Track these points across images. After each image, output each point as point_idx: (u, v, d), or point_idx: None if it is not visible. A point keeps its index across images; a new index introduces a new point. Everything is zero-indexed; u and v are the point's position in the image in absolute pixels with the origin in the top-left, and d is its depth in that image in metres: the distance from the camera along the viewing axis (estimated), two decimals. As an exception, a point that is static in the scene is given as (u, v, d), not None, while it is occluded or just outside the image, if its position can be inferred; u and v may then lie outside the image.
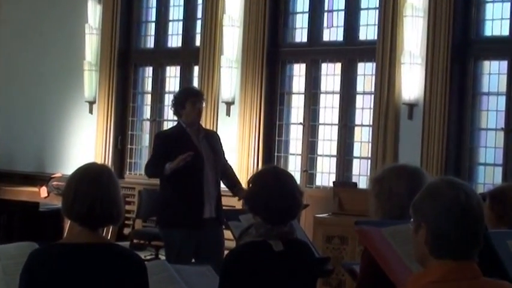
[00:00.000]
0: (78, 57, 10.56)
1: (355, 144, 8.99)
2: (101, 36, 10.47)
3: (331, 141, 9.10)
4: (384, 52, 8.37)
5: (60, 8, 10.89)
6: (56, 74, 10.86)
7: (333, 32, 9.22)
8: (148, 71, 10.61)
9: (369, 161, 8.62)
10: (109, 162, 10.07)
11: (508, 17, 8.13)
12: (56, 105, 10.83)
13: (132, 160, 10.51)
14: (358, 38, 9.04)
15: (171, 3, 10.41)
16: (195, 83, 9.77)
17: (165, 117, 10.20)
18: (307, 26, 9.33)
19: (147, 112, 10.52)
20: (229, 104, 9.48)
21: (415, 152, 8.11)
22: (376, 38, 8.59)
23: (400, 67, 8.29)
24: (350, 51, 8.98)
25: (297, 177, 8.76)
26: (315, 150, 9.20)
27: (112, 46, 10.38)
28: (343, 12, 9.10)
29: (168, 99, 9.68)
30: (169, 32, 10.46)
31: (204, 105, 5.97)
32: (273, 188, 3.29)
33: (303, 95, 9.28)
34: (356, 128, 9.00)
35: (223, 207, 5.92)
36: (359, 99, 8.98)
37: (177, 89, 9.66)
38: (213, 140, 5.93)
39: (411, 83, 8.27)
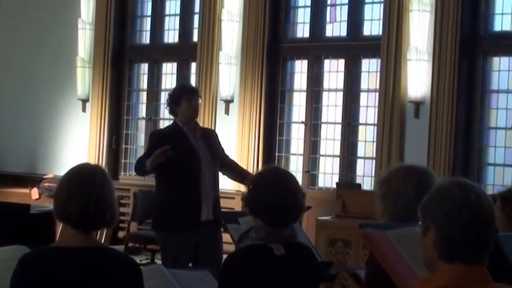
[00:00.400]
0: (71, 53, 10.56)
1: (359, 143, 9.00)
2: (95, 32, 10.47)
3: (334, 141, 9.10)
4: (389, 48, 8.37)
5: (52, 2, 10.89)
6: (48, 70, 10.85)
7: (336, 27, 9.22)
8: (144, 67, 10.61)
9: (374, 161, 8.63)
10: (103, 163, 10.08)
11: (518, 11, 8.15)
12: (48, 103, 10.82)
13: (127, 160, 10.51)
14: (362, 33, 9.04)
15: (168, -3, 10.42)
16: (193, 80, 9.78)
17: (161, 116, 10.20)
18: (309, 21, 9.33)
19: (142, 111, 10.52)
20: (228, 102, 9.48)
21: (422, 151, 8.11)
22: (381, 33, 8.59)
23: (406, 63, 8.29)
24: (354, 47, 8.98)
25: (299, 178, 8.75)
26: (317, 150, 9.20)
27: (106, 42, 10.38)
28: (346, 7, 9.10)
29: (165, 97, 9.61)
30: (166, 27, 10.46)
31: (200, 102, 5.97)
32: (274, 189, 3.28)
33: (305, 93, 9.28)
34: (360, 127, 9.00)
35: (222, 209, 5.91)
36: (363, 97, 8.99)
37: (173, 86, 9.66)
38: (210, 138, 5.93)
39: (417, 80, 8.27)
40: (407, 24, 8.30)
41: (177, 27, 10.32)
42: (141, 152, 10.26)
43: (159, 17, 10.48)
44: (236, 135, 9.22)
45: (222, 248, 5.80)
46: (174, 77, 10.26)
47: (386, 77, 8.39)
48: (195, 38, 9.90)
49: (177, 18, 10.33)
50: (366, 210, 6.44)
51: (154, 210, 6.09)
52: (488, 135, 8.30)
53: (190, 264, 5.69)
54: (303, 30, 9.44)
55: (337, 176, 8.99)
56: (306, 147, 9.22)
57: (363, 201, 7.13)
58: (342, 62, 9.11)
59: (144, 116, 10.45)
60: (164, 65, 10.44)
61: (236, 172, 6.07)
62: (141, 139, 10.45)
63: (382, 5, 8.70)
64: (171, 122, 6.08)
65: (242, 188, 8.64)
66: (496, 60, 8.28)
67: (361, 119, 8.98)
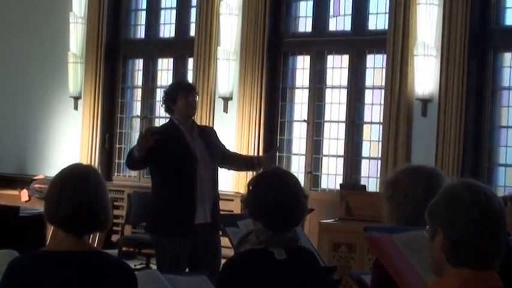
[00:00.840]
0: (62, 48, 10.56)
1: (364, 143, 9.01)
2: (87, 26, 10.47)
3: (337, 140, 9.11)
4: (396, 43, 8.37)
5: (43, -5, 10.90)
6: (38, 66, 10.85)
7: (340, 21, 9.23)
8: (139, 63, 10.62)
9: (379, 161, 8.63)
10: (95, 163, 10.08)
11: (531, 4, 8.15)
12: (38, 101, 10.82)
13: (121, 161, 10.49)
14: (367, 27, 9.05)
15: (163, -10, 10.44)
16: (190, 77, 9.78)
17: (157, 114, 10.20)
18: (311, 15, 9.35)
19: (137, 108, 10.53)
20: (226, 100, 9.49)
21: (429, 152, 8.12)
22: (387, 27, 8.60)
23: (413, 59, 8.30)
24: (358, 42, 8.99)
25: (301, 179, 8.73)
26: (320, 149, 9.21)
27: (99, 36, 10.38)
28: (350, 0, 9.10)
29: (160, 95, 9.66)
30: (161, 21, 10.47)
31: (197, 99, 5.98)
32: (275, 191, 3.28)
33: (307, 90, 9.29)
34: (365, 126, 9.01)
35: (220, 212, 5.91)
36: (368, 94, 9.00)
37: (169, 83, 9.65)
38: (209, 136, 5.92)
39: (425, 77, 8.27)
40: (415, 18, 8.31)
41: (173, 21, 10.33)
42: (135, 152, 10.30)
43: (154, 10, 10.48)
44: (235, 134, 9.22)
45: (220, 252, 5.79)
46: (170, 73, 10.27)
47: (393, 73, 8.40)
48: (192, 33, 9.91)
49: (173, 11, 10.34)
50: (371, 212, 6.45)
51: (148, 213, 6.09)
52: (499, 134, 8.31)
53: (187, 270, 5.69)
54: (305, 24, 9.44)
55: (341, 177, 9.00)
56: (308, 146, 9.22)
57: (368, 203, 7.13)
58: (346, 58, 9.12)
59: (139, 114, 10.45)
60: (160, 60, 10.44)
61: (241, 162, 6.11)
62: (136, 138, 10.41)
63: (388, -2, 8.72)
64: (167, 120, 6.08)
65: (241, 189, 8.66)
66: (507, 55, 8.29)
67: (366, 117, 8.99)
